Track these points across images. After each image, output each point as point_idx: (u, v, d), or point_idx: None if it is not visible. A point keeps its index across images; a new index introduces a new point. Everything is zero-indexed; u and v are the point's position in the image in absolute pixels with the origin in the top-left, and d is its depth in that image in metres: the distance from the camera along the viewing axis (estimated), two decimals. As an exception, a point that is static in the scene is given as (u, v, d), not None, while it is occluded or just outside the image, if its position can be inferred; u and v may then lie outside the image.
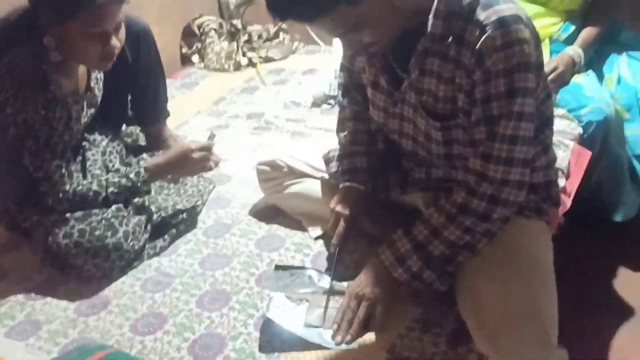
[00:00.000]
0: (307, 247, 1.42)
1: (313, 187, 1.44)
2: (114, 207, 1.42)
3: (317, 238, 1.43)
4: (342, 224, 1.24)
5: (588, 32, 1.83)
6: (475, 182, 1.09)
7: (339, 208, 1.26)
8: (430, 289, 1.16)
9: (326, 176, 1.42)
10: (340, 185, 1.30)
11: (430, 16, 1.04)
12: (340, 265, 1.29)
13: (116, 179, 1.45)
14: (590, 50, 1.83)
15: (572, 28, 1.86)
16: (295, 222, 1.49)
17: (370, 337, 1.15)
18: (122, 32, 1.36)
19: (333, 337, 1.13)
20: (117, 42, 1.33)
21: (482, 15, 1.01)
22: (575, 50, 1.79)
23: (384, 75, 1.18)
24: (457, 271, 1.15)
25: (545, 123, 1.18)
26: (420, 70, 1.11)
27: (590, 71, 1.84)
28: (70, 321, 1.29)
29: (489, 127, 1.05)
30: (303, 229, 1.47)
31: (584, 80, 1.78)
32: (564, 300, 1.15)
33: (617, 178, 1.78)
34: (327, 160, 1.42)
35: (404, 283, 1.15)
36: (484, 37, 1.00)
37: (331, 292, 1.22)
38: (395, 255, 1.15)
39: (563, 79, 1.76)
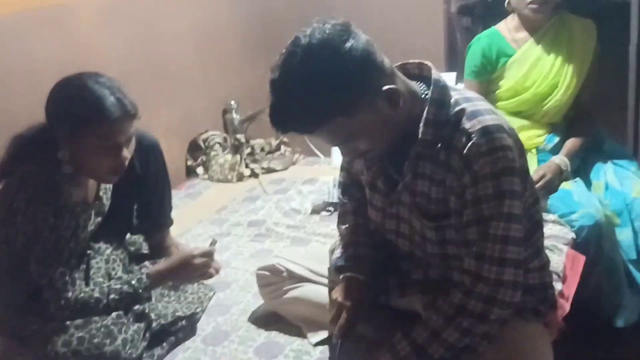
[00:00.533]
0: (307, 354, 1.41)
1: (312, 292, 1.45)
2: (114, 314, 1.43)
3: (316, 344, 1.42)
4: (344, 315, 1.24)
5: (572, 143, 1.94)
6: (471, 282, 1.12)
7: (340, 299, 1.26)
8: None
9: (325, 280, 1.45)
10: (342, 276, 1.32)
11: (421, 124, 1.14)
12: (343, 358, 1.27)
13: (118, 286, 1.47)
14: (576, 159, 1.92)
15: (557, 139, 1.97)
16: (294, 328, 1.49)
17: None
18: (132, 145, 1.45)
19: None
20: (127, 154, 1.42)
21: (467, 124, 1.11)
22: (561, 159, 1.88)
23: (380, 177, 1.26)
24: None
25: (535, 226, 1.23)
26: (413, 173, 1.18)
27: (578, 178, 1.92)
28: None
29: (481, 228, 1.11)
30: (303, 335, 1.47)
31: (573, 187, 1.86)
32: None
33: (615, 283, 1.79)
34: (332, 252, 1.44)
35: None
36: (470, 143, 1.09)
37: None
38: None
39: (552, 186, 1.84)
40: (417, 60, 1.21)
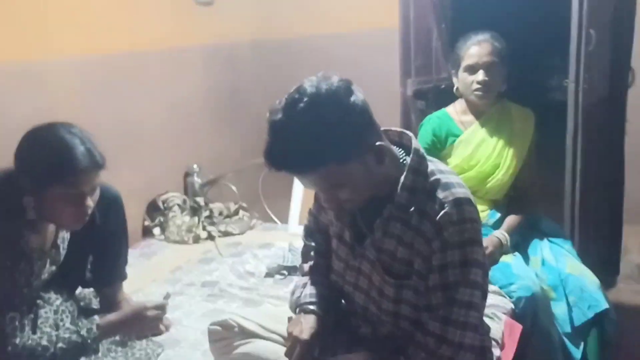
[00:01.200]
0: (252, 412, 1.41)
1: (262, 348, 1.47)
2: (59, 365, 1.42)
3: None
4: (299, 348, 1.27)
5: (512, 219, 2.09)
6: (435, 344, 1.19)
7: (296, 332, 1.30)
8: None
9: (275, 337, 1.48)
10: (298, 310, 1.36)
11: (398, 188, 1.23)
12: None
13: (67, 335, 1.46)
14: (515, 234, 2.06)
15: (498, 215, 2.12)
16: (242, 384, 1.50)
17: None
18: (96, 194, 1.50)
19: None
20: (90, 203, 1.46)
21: (441, 194, 1.21)
22: (502, 234, 2.02)
23: (349, 230, 1.34)
24: None
25: (482, 297, 1.31)
26: (383, 232, 1.26)
27: (517, 253, 2.05)
28: None
29: (447, 293, 1.19)
30: (250, 392, 1.47)
31: (512, 260, 1.98)
32: None
33: (550, 355, 1.88)
34: (292, 293, 1.48)
35: None
36: (442, 212, 1.19)
37: None
38: None
39: (493, 258, 1.96)
40: (398, 129, 1.32)
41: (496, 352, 1.56)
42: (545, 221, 2.19)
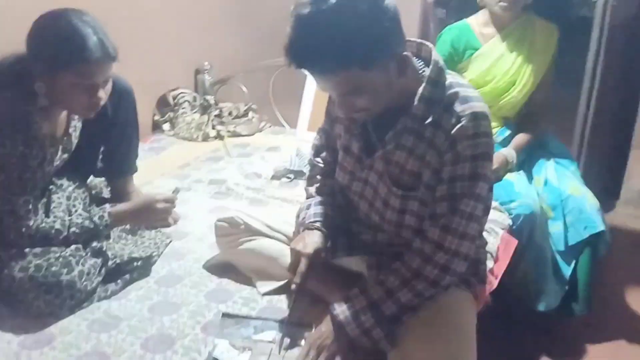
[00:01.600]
0: (254, 302, 1.50)
1: (266, 246, 1.54)
2: (72, 246, 1.48)
3: (264, 294, 1.51)
4: (303, 262, 1.32)
5: (521, 138, 2.08)
6: (432, 250, 1.23)
7: (300, 247, 1.34)
8: (377, 347, 1.24)
9: (279, 235, 1.54)
10: (302, 229, 1.40)
11: (415, 99, 1.22)
12: (299, 307, 1.37)
13: (79, 220, 1.52)
14: (522, 153, 2.07)
15: (508, 132, 2.11)
16: (245, 278, 1.58)
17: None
18: (109, 86, 1.49)
19: None
20: (103, 94, 1.46)
21: (459, 107, 1.20)
22: (509, 152, 2.02)
23: (358, 142, 1.33)
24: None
25: (485, 210, 1.33)
26: (395, 144, 1.26)
27: (521, 171, 2.07)
28: (14, 354, 1.31)
29: (452, 203, 1.22)
30: (252, 285, 1.55)
31: (515, 178, 2.00)
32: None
33: (541, 269, 1.96)
34: (298, 216, 1.48)
35: (355, 338, 1.24)
36: (458, 125, 1.18)
37: (284, 330, 1.31)
38: (350, 311, 1.25)
39: (497, 175, 1.98)
40: (417, 40, 1.28)
41: (489, 264, 1.62)
42: (554, 141, 2.19)
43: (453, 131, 1.19)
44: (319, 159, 1.51)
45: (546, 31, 2.08)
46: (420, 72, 1.24)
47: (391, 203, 1.30)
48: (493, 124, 2.08)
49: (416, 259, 1.24)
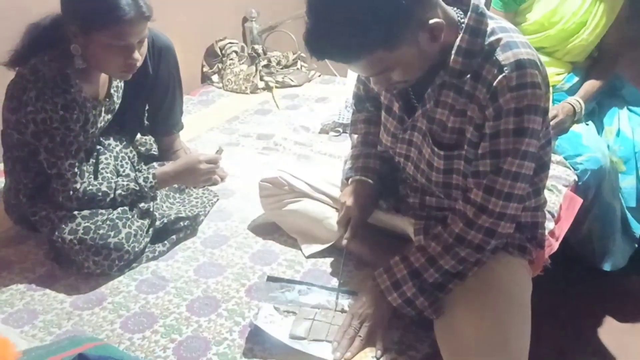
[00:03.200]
0: (299, 264, 1.47)
1: (310, 208, 1.49)
2: (119, 209, 1.49)
3: (309, 256, 1.48)
4: (353, 217, 1.27)
5: (591, 85, 1.90)
6: (474, 214, 1.14)
7: (349, 202, 1.29)
8: (422, 316, 1.19)
9: (324, 197, 1.49)
10: (350, 180, 1.34)
11: (453, 52, 1.10)
12: (347, 266, 1.34)
13: (125, 182, 1.52)
14: (591, 102, 1.89)
15: (576, 79, 1.93)
16: (290, 239, 1.55)
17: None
18: (145, 47, 1.45)
19: (333, 352, 1.16)
20: (139, 55, 1.42)
21: (501, 55, 1.07)
22: (576, 101, 1.85)
23: (398, 102, 1.25)
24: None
25: (541, 167, 1.23)
26: (435, 101, 1.16)
27: (590, 122, 1.90)
28: (66, 313, 1.35)
29: (495, 161, 1.11)
30: (297, 247, 1.52)
31: (584, 130, 1.84)
32: (543, 340, 1.18)
33: (608, 228, 1.82)
34: (345, 162, 1.46)
35: (398, 308, 1.20)
36: (500, 76, 1.06)
37: (339, 290, 1.29)
38: (391, 280, 1.20)
39: (562, 127, 1.82)
40: None
41: (550, 225, 1.51)
42: (629, 87, 1.98)
43: (495, 83, 1.07)
44: (360, 108, 1.44)
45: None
46: (459, 21, 1.11)
47: (435, 164, 1.21)
48: (559, 69, 1.93)
49: (459, 223, 1.16)
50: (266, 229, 1.60)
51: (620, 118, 1.90)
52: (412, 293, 1.18)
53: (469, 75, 1.11)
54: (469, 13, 1.10)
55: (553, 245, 1.49)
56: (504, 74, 1.06)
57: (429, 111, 1.18)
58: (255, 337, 1.23)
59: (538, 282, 1.30)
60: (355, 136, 1.44)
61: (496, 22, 1.12)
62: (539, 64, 1.09)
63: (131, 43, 1.39)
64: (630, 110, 1.92)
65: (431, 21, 1.03)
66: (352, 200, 1.29)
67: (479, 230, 1.14)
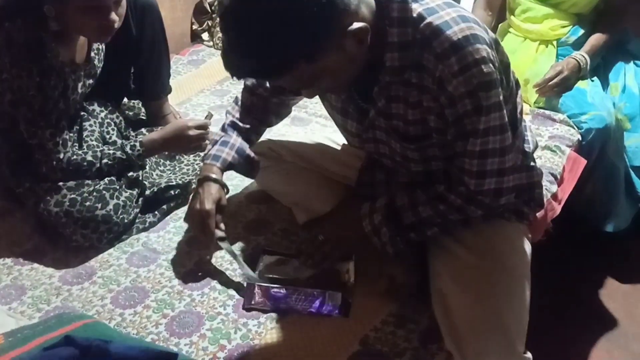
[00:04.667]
0: (294, 234, 1.43)
1: (302, 177, 1.44)
2: (106, 179, 1.44)
3: (304, 224, 1.43)
4: (199, 220, 1.29)
5: (597, 39, 1.81)
6: (471, 196, 1.10)
7: (197, 207, 1.29)
8: (384, 250, 1.19)
9: (315, 168, 1.43)
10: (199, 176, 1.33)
11: (386, 52, 1.03)
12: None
13: (111, 151, 1.46)
14: (597, 57, 1.81)
15: (581, 32, 1.84)
16: (284, 208, 1.50)
17: (344, 326, 1.16)
18: (123, 7, 1.36)
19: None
20: (116, 17, 1.33)
21: (434, 42, 0.99)
22: (581, 56, 1.77)
23: (351, 104, 1.18)
24: (432, 272, 1.17)
25: (511, 128, 1.12)
26: (386, 98, 1.10)
27: (595, 78, 1.83)
28: (55, 289, 1.31)
29: (464, 143, 1.06)
30: (292, 215, 1.48)
31: (588, 87, 1.77)
32: (546, 307, 1.15)
33: (612, 189, 1.78)
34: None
35: (368, 235, 1.20)
36: (440, 65, 0.99)
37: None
38: (369, 207, 1.21)
39: (567, 84, 1.75)
40: None
41: (552, 188, 1.46)
42: (636, 41, 1.90)
43: (437, 73, 1.00)
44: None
45: None
46: (387, 14, 1.02)
47: (410, 156, 1.16)
48: (564, 22, 1.84)
49: (440, 187, 1.14)
50: (260, 197, 1.55)
51: (626, 73, 1.83)
52: (379, 221, 1.17)
53: (410, 68, 1.04)
54: (390, 4, 1.01)
55: (556, 209, 1.45)
56: (442, 62, 0.99)
57: (383, 109, 1.11)
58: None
59: (539, 247, 1.26)
60: (226, 121, 1.40)
61: (420, 4, 1.02)
62: (478, 34, 1.00)
63: (107, 4, 1.30)
64: (637, 65, 1.85)
65: (354, 26, 0.95)
66: (199, 205, 1.27)
67: (479, 206, 1.12)
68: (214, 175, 1.30)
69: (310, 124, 1.92)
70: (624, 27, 1.87)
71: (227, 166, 1.34)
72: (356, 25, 0.96)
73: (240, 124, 1.39)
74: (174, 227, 1.48)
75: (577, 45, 1.83)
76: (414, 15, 1.01)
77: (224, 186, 1.32)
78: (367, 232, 1.20)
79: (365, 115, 1.16)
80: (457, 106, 1.02)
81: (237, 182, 1.63)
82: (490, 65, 1.00)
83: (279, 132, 1.75)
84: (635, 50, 1.88)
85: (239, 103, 1.42)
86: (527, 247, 1.21)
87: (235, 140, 1.36)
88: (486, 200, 1.11)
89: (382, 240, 1.19)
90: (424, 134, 1.11)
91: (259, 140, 1.48)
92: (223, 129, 1.40)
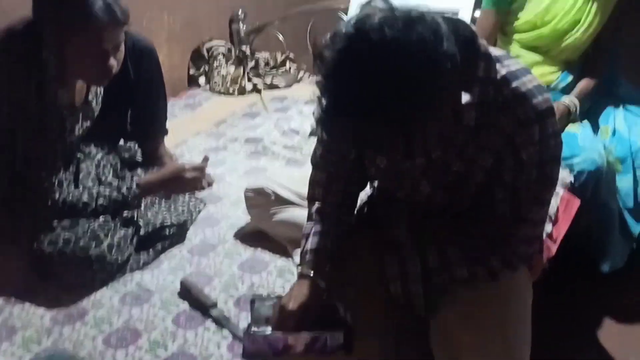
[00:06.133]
0: (290, 272, 1.42)
1: (298, 215, 1.43)
2: (101, 218, 1.43)
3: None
4: (284, 317, 1.12)
5: (586, 83, 1.86)
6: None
7: (285, 300, 1.13)
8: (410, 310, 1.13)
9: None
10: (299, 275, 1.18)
11: (464, 110, 0.99)
12: None
13: (107, 192, 1.46)
14: (587, 100, 1.85)
15: (570, 78, 1.89)
16: (280, 246, 1.50)
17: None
18: (121, 52, 1.39)
19: None
20: (114, 61, 1.36)
21: (519, 109, 0.98)
22: (571, 100, 1.81)
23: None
24: (435, 317, 1.13)
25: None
26: (441, 150, 1.05)
27: (585, 121, 1.87)
28: (46, 330, 1.28)
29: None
30: (288, 254, 1.47)
31: (579, 130, 1.80)
32: (544, 347, 1.14)
33: (606, 229, 1.78)
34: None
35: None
36: (521, 130, 0.99)
37: None
38: (400, 271, 1.14)
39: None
40: (448, 14, 0.97)
41: (548, 228, 1.46)
42: (625, 85, 1.94)
43: (517, 139, 0.99)
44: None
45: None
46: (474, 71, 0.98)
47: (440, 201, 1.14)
48: (552, 68, 1.89)
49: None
50: (255, 236, 1.55)
51: (615, 117, 1.87)
52: (416, 289, 1.12)
53: (485, 129, 1.02)
54: (478, 62, 0.98)
55: (551, 248, 1.45)
56: (525, 129, 0.98)
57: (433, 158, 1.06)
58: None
59: (536, 286, 1.26)
60: (313, 206, 1.24)
61: (504, 64, 1.01)
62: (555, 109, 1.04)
63: (105, 48, 1.33)
64: (626, 109, 1.89)
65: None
66: (288, 299, 1.13)
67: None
68: (306, 270, 1.17)
69: (305, 165, 1.93)
70: (612, 72, 1.92)
71: None
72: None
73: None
74: (168, 266, 1.47)
75: (567, 90, 1.87)
76: (498, 76, 1.00)
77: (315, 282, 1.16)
78: (394, 293, 1.12)
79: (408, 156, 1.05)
80: (523, 173, 1.02)
81: (233, 221, 1.63)
82: (561, 139, 1.05)
83: (271, 175, 1.76)
84: (624, 94, 1.92)
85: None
86: (530, 291, 1.20)
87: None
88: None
89: (415, 303, 1.12)
90: (467, 174, 1.08)
91: (255, 180, 1.49)
92: None
